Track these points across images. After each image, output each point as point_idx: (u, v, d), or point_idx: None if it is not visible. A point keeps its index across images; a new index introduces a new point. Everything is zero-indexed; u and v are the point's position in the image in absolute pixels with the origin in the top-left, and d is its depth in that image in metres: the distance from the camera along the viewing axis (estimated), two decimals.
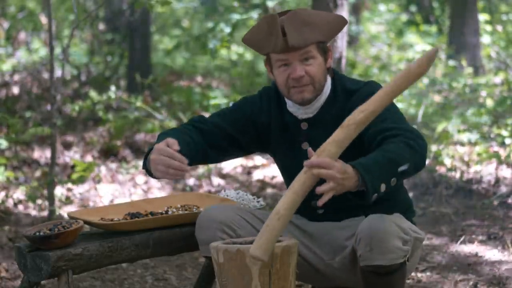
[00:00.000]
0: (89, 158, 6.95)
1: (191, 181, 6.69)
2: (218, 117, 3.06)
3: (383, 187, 2.56)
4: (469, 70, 10.13)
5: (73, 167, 6.62)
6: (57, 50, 9.26)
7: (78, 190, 6.27)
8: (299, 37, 2.79)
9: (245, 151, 3.12)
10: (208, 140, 2.99)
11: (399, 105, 6.70)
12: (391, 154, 2.59)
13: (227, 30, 8.90)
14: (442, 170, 6.23)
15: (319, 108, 2.93)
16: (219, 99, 8.33)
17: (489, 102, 8.13)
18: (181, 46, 10.82)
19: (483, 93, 8.97)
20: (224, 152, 3.06)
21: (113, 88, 7.90)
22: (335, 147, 2.48)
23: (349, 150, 2.54)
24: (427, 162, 6.29)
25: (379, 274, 2.70)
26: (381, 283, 2.71)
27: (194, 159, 2.90)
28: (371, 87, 2.89)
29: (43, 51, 10.46)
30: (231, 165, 7.00)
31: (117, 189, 6.44)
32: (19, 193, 5.88)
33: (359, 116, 2.47)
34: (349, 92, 2.92)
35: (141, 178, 6.70)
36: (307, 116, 2.94)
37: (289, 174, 3.00)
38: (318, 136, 2.90)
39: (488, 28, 11.87)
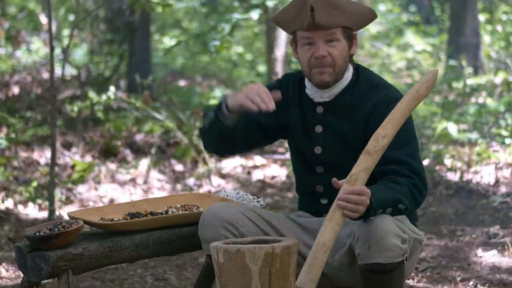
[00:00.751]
0: (89, 158, 6.95)
1: (191, 181, 6.69)
2: None
3: (379, 212, 2.70)
4: (469, 70, 10.13)
5: (73, 167, 6.62)
6: (57, 50, 9.26)
7: (78, 190, 6.27)
8: (326, 17, 2.83)
9: (269, 138, 3.12)
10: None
11: None
12: (400, 195, 2.73)
13: (227, 29, 8.91)
14: (442, 170, 6.23)
15: (337, 94, 2.95)
16: (219, 99, 8.33)
17: (489, 102, 8.13)
18: (181, 45, 10.82)
19: (483, 93, 8.97)
20: (250, 139, 3.06)
21: (112, 88, 7.91)
22: (366, 174, 2.62)
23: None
24: (427, 162, 6.31)
25: (377, 273, 2.69)
26: (379, 282, 2.71)
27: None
28: (394, 92, 2.93)
29: (43, 51, 10.46)
30: (231, 165, 7.00)
31: (117, 189, 6.44)
32: (19, 193, 5.88)
33: (383, 141, 2.61)
34: (373, 84, 2.95)
35: (141, 178, 6.70)
36: (323, 100, 2.96)
37: (301, 156, 3.03)
38: (332, 121, 2.94)
39: (488, 28, 11.87)
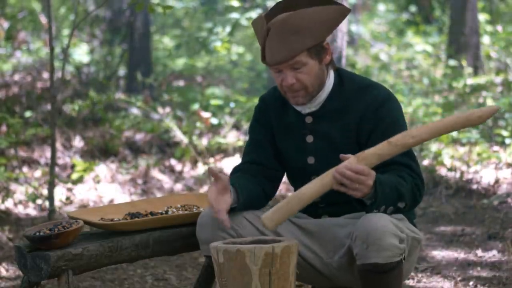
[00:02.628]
0: (89, 158, 6.95)
1: (191, 181, 6.69)
2: (252, 145, 3.07)
3: (382, 209, 2.71)
4: (469, 70, 10.13)
5: (73, 167, 6.62)
6: (57, 50, 9.27)
7: (78, 190, 6.27)
8: (284, 52, 2.77)
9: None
10: (265, 169, 3.01)
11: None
12: (404, 190, 2.74)
13: (227, 29, 8.91)
14: (442, 170, 6.23)
15: (323, 102, 2.92)
16: (219, 99, 8.33)
17: (489, 102, 8.13)
18: (181, 46, 10.83)
19: (483, 93, 8.97)
20: (270, 179, 3.05)
21: (113, 88, 7.91)
22: (376, 160, 2.63)
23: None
24: (427, 162, 6.31)
25: (375, 273, 2.69)
26: (377, 282, 2.70)
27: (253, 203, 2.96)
28: (384, 92, 2.89)
29: (43, 51, 10.47)
30: (230, 166, 7.00)
31: (117, 189, 6.44)
32: (19, 193, 5.88)
33: (410, 140, 2.61)
34: (361, 86, 2.90)
35: (141, 178, 6.70)
36: (311, 110, 2.94)
37: (294, 167, 3.01)
38: (322, 128, 2.91)
39: (488, 28, 11.87)
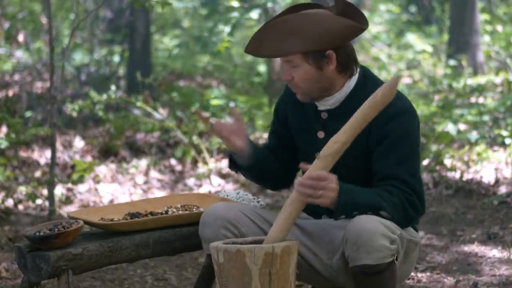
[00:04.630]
0: (89, 158, 6.95)
1: (191, 181, 6.69)
2: (272, 133, 3.12)
3: (355, 214, 2.71)
4: (469, 70, 10.14)
5: (73, 167, 6.62)
6: (57, 50, 9.26)
7: (78, 190, 6.28)
8: (271, 47, 2.77)
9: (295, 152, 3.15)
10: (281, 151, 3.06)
11: None
12: (383, 202, 2.72)
13: (227, 29, 8.91)
14: (442, 170, 6.23)
15: (341, 102, 2.89)
16: (219, 99, 8.33)
17: (489, 102, 8.13)
18: (181, 46, 10.84)
19: (483, 93, 8.97)
20: (284, 165, 3.09)
21: (113, 88, 7.91)
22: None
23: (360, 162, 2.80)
24: (427, 162, 6.31)
25: (367, 274, 2.67)
26: (370, 283, 2.68)
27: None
28: (400, 102, 2.83)
29: (43, 51, 10.47)
30: None
31: (117, 189, 6.44)
32: (19, 193, 5.88)
33: (334, 147, 2.63)
34: None
35: (141, 178, 6.70)
36: (326, 108, 2.92)
37: (303, 160, 2.97)
38: (335, 126, 2.83)
39: (488, 28, 11.89)
